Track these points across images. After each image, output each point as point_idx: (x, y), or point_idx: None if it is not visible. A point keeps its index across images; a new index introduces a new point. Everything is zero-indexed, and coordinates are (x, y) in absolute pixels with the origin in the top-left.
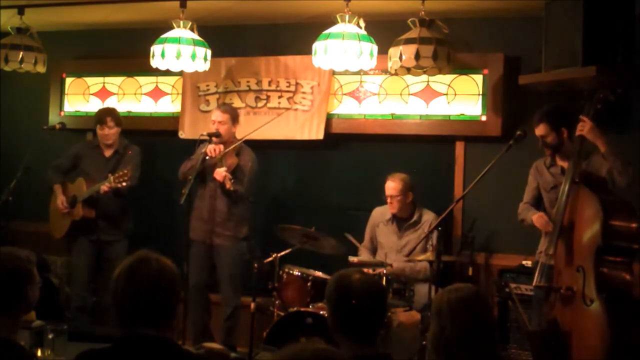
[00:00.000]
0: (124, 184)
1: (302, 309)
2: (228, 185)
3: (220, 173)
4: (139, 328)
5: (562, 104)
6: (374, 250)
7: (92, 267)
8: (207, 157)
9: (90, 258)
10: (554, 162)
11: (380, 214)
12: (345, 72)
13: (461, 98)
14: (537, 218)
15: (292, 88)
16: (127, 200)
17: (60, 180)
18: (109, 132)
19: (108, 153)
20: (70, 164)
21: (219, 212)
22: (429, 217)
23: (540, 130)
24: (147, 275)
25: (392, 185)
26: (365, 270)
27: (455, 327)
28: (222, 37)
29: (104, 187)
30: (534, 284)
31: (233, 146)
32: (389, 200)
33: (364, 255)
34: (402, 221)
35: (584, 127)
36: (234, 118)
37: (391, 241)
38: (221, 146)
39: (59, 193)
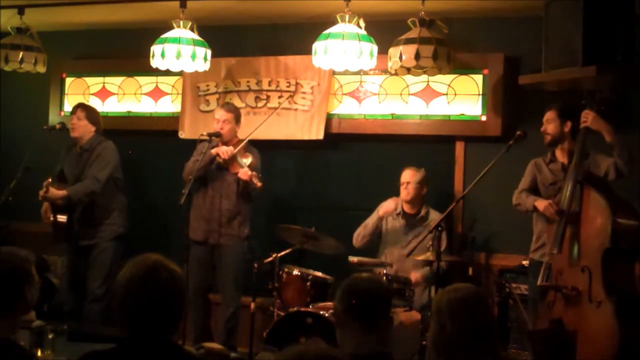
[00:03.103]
0: (50, 193)
1: (302, 309)
2: (258, 183)
3: (245, 173)
4: (144, 331)
5: (577, 103)
6: (372, 236)
7: (77, 272)
8: (220, 160)
9: (72, 263)
10: (554, 158)
11: (389, 206)
12: (345, 72)
13: (461, 98)
14: (546, 206)
15: (292, 88)
16: (110, 200)
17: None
18: (76, 122)
19: (79, 150)
20: (60, 167)
21: (225, 212)
22: (435, 217)
23: (547, 115)
24: (157, 287)
25: (410, 173)
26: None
27: (455, 327)
28: (222, 37)
29: (39, 198)
30: (538, 283)
31: (241, 145)
32: (404, 186)
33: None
34: (411, 217)
35: (588, 117)
36: (237, 117)
37: (397, 236)
38: (231, 148)
39: (43, 205)
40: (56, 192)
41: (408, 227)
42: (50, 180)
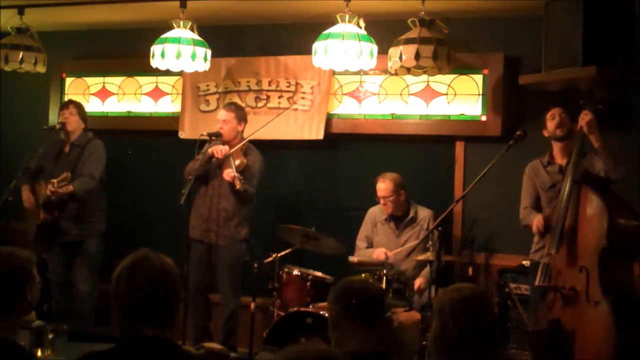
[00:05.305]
0: (63, 189)
1: (302, 309)
2: (238, 185)
3: (228, 174)
4: (140, 328)
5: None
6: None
7: (64, 271)
8: (214, 159)
9: (61, 261)
10: (552, 160)
11: (377, 214)
12: (345, 72)
13: (461, 98)
14: (535, 221)
15: (292, 88)
16: (97, 198)
17: (27, 181)
18: (69, 117)
19: (67, 148)
20: (35, 164)
21: (222, 212)
22: (425, 214)
23: (558, 111)
24: (149, 273)
25: (383, 187)
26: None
27: (457, 327)
28: (222, 37)
29: (48, 192)
30: (536, 283)
31: (238, 146)
32: (382, 201)
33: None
34: (399, 220)
35: (585, 117)
36: (240, 117)
37: (390, 240)
38: (226, 147)
39: (24, 193)
40: (65, 188)
41: (399, 229)
42: (69, 174)
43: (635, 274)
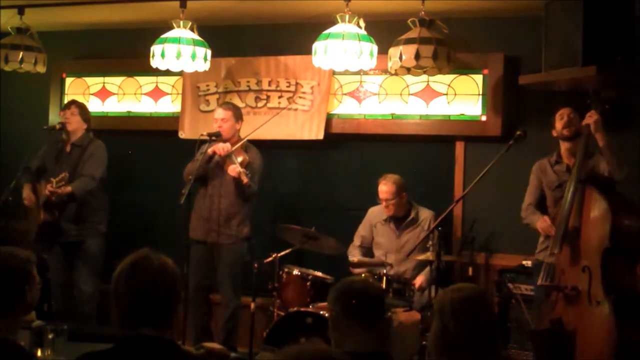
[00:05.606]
0: (61, 189)
1: (302, 309)
2: (245, 179)
3: (234, 169)
4: (139, 328)
5: (580, 103)
6: (368, 250)
7: (65, 271)
8: (217, 157)
9: (62, 261)
10: (560, 159)
11: (377, 214)
12: (345, 72)
13: (461, 98)
14: (540, 223)
15: (292, 88)
16: (98, 199)
17: (29, 179)
18: (70, 117)
19: (69, 148)
20: (37, 164)
21: (223, 211)
22: (426, 215)
23: (568, 111)
24: (149, 272)
25: (385, 189)
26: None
27: (457, 327)
28: (222, 37)
29: (47, 192)
30: (538, 283)
31: (240, 143)
32: (384, 204)
33: (355, 255)
34: (400, 220)
35: (592, 117)
36: (237, 116)
37: (390, 241)
38: (228, 144)
39: (25, 191)
40: (63, 188)
41: (400, 230)
42: (66, 174)
43: (637, 274)
